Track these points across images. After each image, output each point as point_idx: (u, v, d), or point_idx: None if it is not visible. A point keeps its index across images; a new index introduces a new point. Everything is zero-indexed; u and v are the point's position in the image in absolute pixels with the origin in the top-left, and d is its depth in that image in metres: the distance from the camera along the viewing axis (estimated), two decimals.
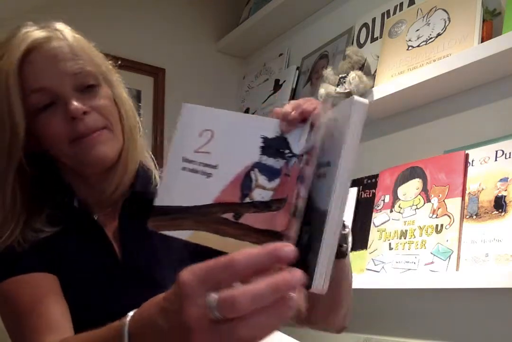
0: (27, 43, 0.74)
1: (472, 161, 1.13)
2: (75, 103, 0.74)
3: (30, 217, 0.78)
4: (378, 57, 1.41)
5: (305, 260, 0.49)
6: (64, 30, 0.78)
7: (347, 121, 0.51)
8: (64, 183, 0.83)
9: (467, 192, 1.11)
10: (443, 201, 1.13)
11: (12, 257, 0.76)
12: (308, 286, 0.47)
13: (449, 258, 1.07)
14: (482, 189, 1.08)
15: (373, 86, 1.34)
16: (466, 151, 1.14)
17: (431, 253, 1.11)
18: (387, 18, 1.46)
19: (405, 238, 1.18)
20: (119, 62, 0.86)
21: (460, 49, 1.17)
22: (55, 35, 0.77)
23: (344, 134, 0.50)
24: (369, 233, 1.27)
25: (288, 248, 0.40)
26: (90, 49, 0.80)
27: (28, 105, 0.74)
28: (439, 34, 1.25)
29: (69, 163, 0.80)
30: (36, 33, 0.76)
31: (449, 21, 1.24)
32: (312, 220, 0.52)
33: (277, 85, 1.81)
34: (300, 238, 0.53)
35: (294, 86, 1.75)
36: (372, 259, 1.24)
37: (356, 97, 0.51)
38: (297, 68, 1.78)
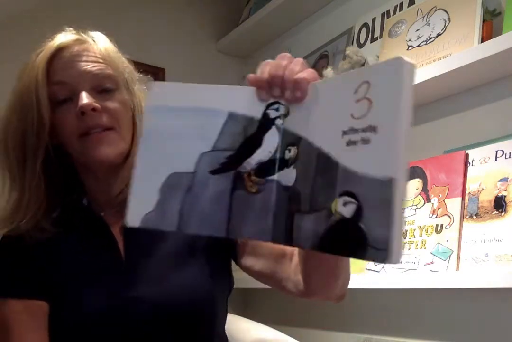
0: (59, 42, 0.81)
1: (472, 161, 1.13)
2: (86, 98, 0.78)
3: (45, 211, 0.81)
4: (378, 57, 1.41)
5: (361, 232, 0.47)
6: (97, 37, 0.85)
7: (398, 82, 0.45)
8: (78, 180, 0.86)
9: (467, 192, 1.11)
10: (443, 201, 1.13)
11: (12, 273, 0.80)
12: (380, 259, 0.45)
13: (449, 258, 1.07)
14: (482, 189, 1.08)
15: None
16: (466, 151, 1.14)
17: (431, 253, 1.11)
18: (387, 18, 1.46)
19: (405, 238, 1.18)
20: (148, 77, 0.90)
21: (460, 49, 1.16)
22: (86, 39, 0.83)
23: (394, 95, 0.46)
24: None
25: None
26: (117, 57, 0.85)
27: (49, 96, 0.79)
28: (439, 34, 1.25)
29: (78, 159, 0.83)
30: (69, 35, 0.83)
31: (449, 21, 1.24)
32: (357, 190, 0.48)
33: None
34: (330, 210, 0.50)
35: None
36: None
37: (405, 58, 0.46)
38: None
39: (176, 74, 1.94)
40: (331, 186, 0.50)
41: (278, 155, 0.55)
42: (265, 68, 0.57)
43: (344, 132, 0.50)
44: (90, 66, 0.80)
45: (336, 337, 1.47)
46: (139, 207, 0.56)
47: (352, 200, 0.48)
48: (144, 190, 0.57)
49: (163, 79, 1.90)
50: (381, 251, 0.45)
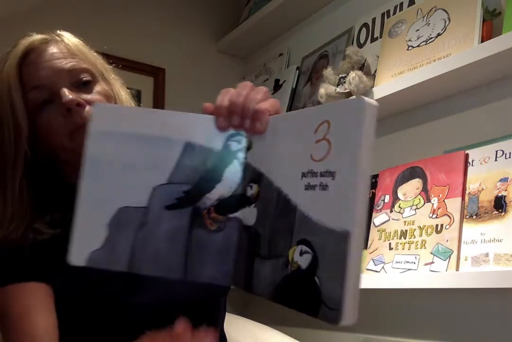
0: (25, 46, 0.78)
1: (472, 161, 1.13)
2: (69, 94, 0.76)
3: (32, 218, 0.79)
4: (378, 57, 1.41)
5: (315, 287, 0.42)
6: (63, 34, 0.83)
7: (358, 125, 0.42)
8: (69, 184, 0.84)
9: (467, 192, 1.11)
10: (443, 201, 1.13)
11: (8, 264, 0.78)
12: (331, 319, 0.40)
13: (449, 258, 1.07)
14: (482, 189, 1.08)
15: (373, 86, 1.34)
16: (466, 151, 1.14)
17: (431, 253, 1.11)
18: (387, 18, 1.46)
19: (405, 238, 1.18)
20: (119, 64, 0.91)
21: (460, 49, 1.17)
22: (53, 37, 0.81)
23: (354, 140, 0.42)
24: (369, 233, 1.27)
25: None
26: (86, 51, 0.83)
27: (28, 103, 0.77)
28: (439, 34, 1.25)
29: (72, 160, 0.81)
30: (35, 37, 0.80)
31: (449, 21, 1.24)
32: (312, 238, 0.44)
33: (277, 85, 1.81)
34: (287, 259, 0.45)
35: (294, 86, 1.75)
36: (372, 259, 1.24)
37: (366, 99, 0.43)
38: (297, 68, 1.78)
39: (176, 74, 1.94)
40: (289, 232, 0.46)
41: (239, 191, 0.51)
42: (225, 96, 0.54)
43: (303, 175, 0.45)
44: (63, 63, 0.78)
45: (336, 337, 1.47)
46: (85, 244, 0.52)
47: (308, 250, 0.44)
48: (90, 225, 0.52)
49: (163, 79, 1.91)
50: (333, 310, 0.40)
